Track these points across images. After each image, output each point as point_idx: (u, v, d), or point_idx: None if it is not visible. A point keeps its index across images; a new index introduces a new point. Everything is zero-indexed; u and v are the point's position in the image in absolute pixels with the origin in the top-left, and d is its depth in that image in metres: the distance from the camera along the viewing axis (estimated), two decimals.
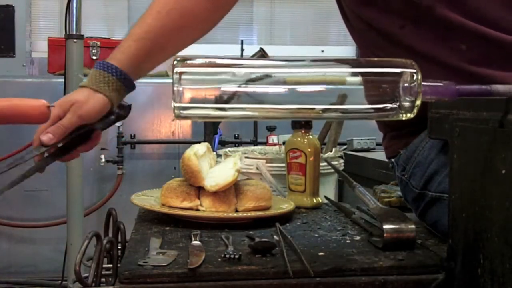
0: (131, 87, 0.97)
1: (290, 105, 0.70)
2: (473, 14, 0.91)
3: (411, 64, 0.68)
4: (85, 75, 2.66)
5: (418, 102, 0.67)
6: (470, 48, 0.91)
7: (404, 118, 0.69)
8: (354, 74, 0.71)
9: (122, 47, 0.96)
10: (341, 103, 0.70)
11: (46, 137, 0.88)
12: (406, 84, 0.67)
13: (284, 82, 0.70)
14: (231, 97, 0.69)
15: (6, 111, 0.81)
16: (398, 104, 0.67)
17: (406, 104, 0.67)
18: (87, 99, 0.91)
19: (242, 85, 0.69)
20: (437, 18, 0.91)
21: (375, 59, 0.73)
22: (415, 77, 0.67)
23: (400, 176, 1.00)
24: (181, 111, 0.68)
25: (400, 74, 0.67)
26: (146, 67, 1.00)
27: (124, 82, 0.94)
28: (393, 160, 1.04)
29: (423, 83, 0.67)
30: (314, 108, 0.71)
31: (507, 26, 0.91)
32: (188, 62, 0.69)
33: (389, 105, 0.67)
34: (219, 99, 0.69)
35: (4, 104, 0.81)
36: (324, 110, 0.71)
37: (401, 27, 0.94)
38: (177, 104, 0.68)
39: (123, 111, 0.97)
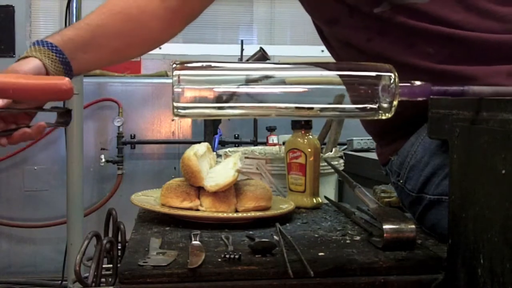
0: (66, 63, 0.93)
1: (286, 104, 0.74)
2: (435, 19, 0.92)
3: (389, 67, 0.74)
4: (85, 75, 2.66)
5: (395, 102, 0.73)
6: (437, 49, 0.93)
7: (383, 118, 0.74)
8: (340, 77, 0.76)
9: (61, 31, 0.96)
10: (339, 103, 0.73)
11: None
12: (384, 86, 0.72)
13: (282, 83, 0.74)
14: (230, 97, 0.71)
15: (32, 88, 0.81)
16: (377, 104, 0.72)
17: (385, 104, 0.73)
18: (19, 63, 0.90)
19: (240, 86, 0.71)
20: (400, 27, 0.93)
21: (357, 63, 0.79)
22: (392, 79, 0.72)
23: (396, 182, 1.00)
24: (180, 110, 0.70)
25: (379, 77, 0.73)
26: (84, 59, 0.97)
27: (57, 53, 0.92)
28: (386, 167, 1.05)
29: (400, 85, 0.73)
30: (311, 108, 0.75)
31: (468, 25, 0.92)
32: (187, 65, 0.71)
33: (369, 106, 0.73)
34: (218, 99, 0.71)
35: (28, 82, 0.81)
36: (319, 109, 0.76)
37: (368, 40, 0.96)
38: (176, 104, 0.69)
39: (63, 118, 0.94)
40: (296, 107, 0.74)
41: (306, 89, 0.75)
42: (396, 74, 0.73)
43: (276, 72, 0.76)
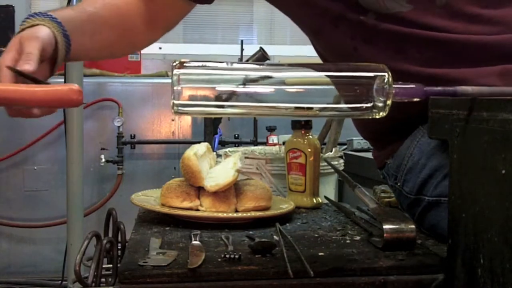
0: (67, 36, 0.88)
1: (285, 104, 0.74)
2: (420, 26, 0.93)
3: (383, 67, 0.75)
4: (85, 75, 2.66)
5: (389, 102, 0.74)
6: (426, 54, 0.93)
7: (377, 117, 0.75)
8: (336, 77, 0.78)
9: (57, 10, 0.92)
10: (338, 103, 0.74)
11: (28, 65, 0.78)
12: (378, 86, 0.74)
13: (281, 83, 0.74)
14: (229, 96, 0.71)
15: (42, 97, 0.76)
16: (372, 104, 0.74)
17: (379, 104, 0.74)
18: (30, 30, 0.84)
19: (240, 85, 0.72)
20: (386, 34, 0.94)
21: (353, 63, 0.80)
22: (386, 79, 0.74)
23: (393, 185, 1.00)
24: (180, 108, 0.71)
25: (374, 77, 0.75)
26: (79, 42, 0.92)
27: (59, 25, 0.87)
28: (383, 171, 1.05)
29: (394, 85, 0.74)
30: (310, 108, 0.76)
31: (454, 30, 0.93)
32: (187, 64, 0.72)
33: (364, 105, 0.74)
34: (217, 98, 0.71)
35: (39, 89, 0.76)
36: (318, 109, 0.76)
37: (355, 49, 0.97)
38: (176, 102, 0.70)
39: None
40: (296, 107, 0.75)
41: (306, 89, 0.76)
42: (390, 74, 0.74)
43: (275, 73, 0.76)
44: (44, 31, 0.85)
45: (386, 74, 0.74)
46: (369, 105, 0.74)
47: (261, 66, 0.82)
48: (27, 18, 0.88)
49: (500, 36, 0.92)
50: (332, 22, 0.98)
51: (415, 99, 0.76)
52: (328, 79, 0.76)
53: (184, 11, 1.06)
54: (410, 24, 0.92)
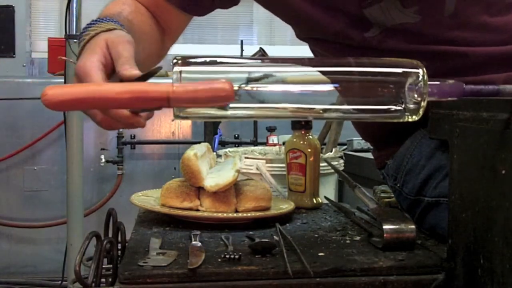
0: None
1: (290, 105, 0.69)
2: (427, 38, 0.92)
3: (416, 63, 0.66)
4: None
5: (423, 103, 0.64)
6: (431, 64, 0.90)
7: (410, 120, 0.66)
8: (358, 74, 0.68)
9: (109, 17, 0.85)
10: (342, 103, 0.69)
11: (136, 70, 0.71)
12: (411, 84, 0.64)
13: (285, 82, 0.70)
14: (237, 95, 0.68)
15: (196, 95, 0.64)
16: (403, 106, 0.64)
17: (411, 105, 0.64)
18: (115, 33, 0.77)
19: (242, 85, 0.68)
20: (390, 49, 0.93)
21: (379, 58, 0.70)
22: (420, 77, 0.64)
23: (393, 186, 1.00)
24: (181, 111, 0.68)
25: (405, 74, 0.64)
26: None
27: (127, 33, 0.81)
28: (383, 171, 1.05)
29: (429, 83, 0.65)
30: (314, 108, 0.70)
31: (463, 41, 0.92)
32: (188, 61, 0.68)
33: (393, 107, 0.65)
34: None
35: (191, 88, 0.65)
36: (325, 110, 0.69)
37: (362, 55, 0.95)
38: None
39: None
40: (301, 108, 0.69)
41: (312, 90, 0.68)
42: (425, 71, 0.65)
43: (284, 69, 0.70)
44: (130, 37, 0.78)
45: (420, 70, 0.64)
46: (399, 107, 0.64)
47: (270, 62, 0.73)
48: (97, 22, 0.80)
49: (505, 45, 0.92)
50: (333, 36, 0.97)
51: (452, 99, 0.66)
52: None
53: (185, 22, 1.06)
54: (416, 38, 0.91)
